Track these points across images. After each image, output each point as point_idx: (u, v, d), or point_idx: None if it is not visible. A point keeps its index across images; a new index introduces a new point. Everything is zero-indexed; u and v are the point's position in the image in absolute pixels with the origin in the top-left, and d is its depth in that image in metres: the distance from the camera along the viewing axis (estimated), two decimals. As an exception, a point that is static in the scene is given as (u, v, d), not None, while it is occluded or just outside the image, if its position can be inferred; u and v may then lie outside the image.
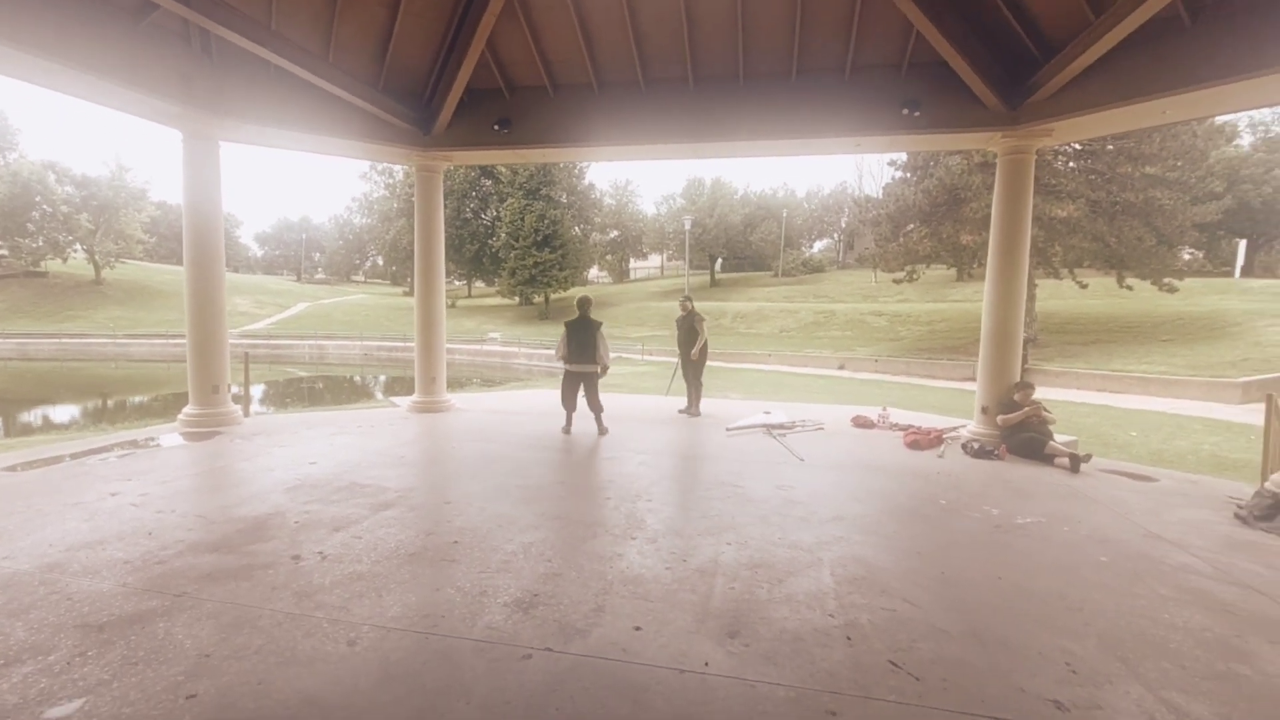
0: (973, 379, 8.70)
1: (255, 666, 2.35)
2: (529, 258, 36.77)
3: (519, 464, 5.53)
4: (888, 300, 30.49)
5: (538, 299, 39.74)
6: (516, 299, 40.96)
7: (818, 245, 55.44)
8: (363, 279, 70.85)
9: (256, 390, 18.13)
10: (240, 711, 2.09)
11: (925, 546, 3.72)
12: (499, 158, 9.50)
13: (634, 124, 7.33)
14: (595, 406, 6.94)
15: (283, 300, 43.13)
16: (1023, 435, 6.16)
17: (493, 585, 3.07)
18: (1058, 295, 23.73)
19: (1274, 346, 16.60)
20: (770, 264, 47.40)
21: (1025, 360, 12.69)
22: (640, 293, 42.82)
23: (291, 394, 20.00)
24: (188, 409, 6.96)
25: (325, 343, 32.93)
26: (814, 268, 46.58)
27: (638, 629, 2.68)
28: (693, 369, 8.37)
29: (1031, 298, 19.17)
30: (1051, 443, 6.03)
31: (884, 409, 7.98)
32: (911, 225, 21.94)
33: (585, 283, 49.81)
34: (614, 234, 51.18)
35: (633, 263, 58.16)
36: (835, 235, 54.37)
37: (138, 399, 18.14)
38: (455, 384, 15.92)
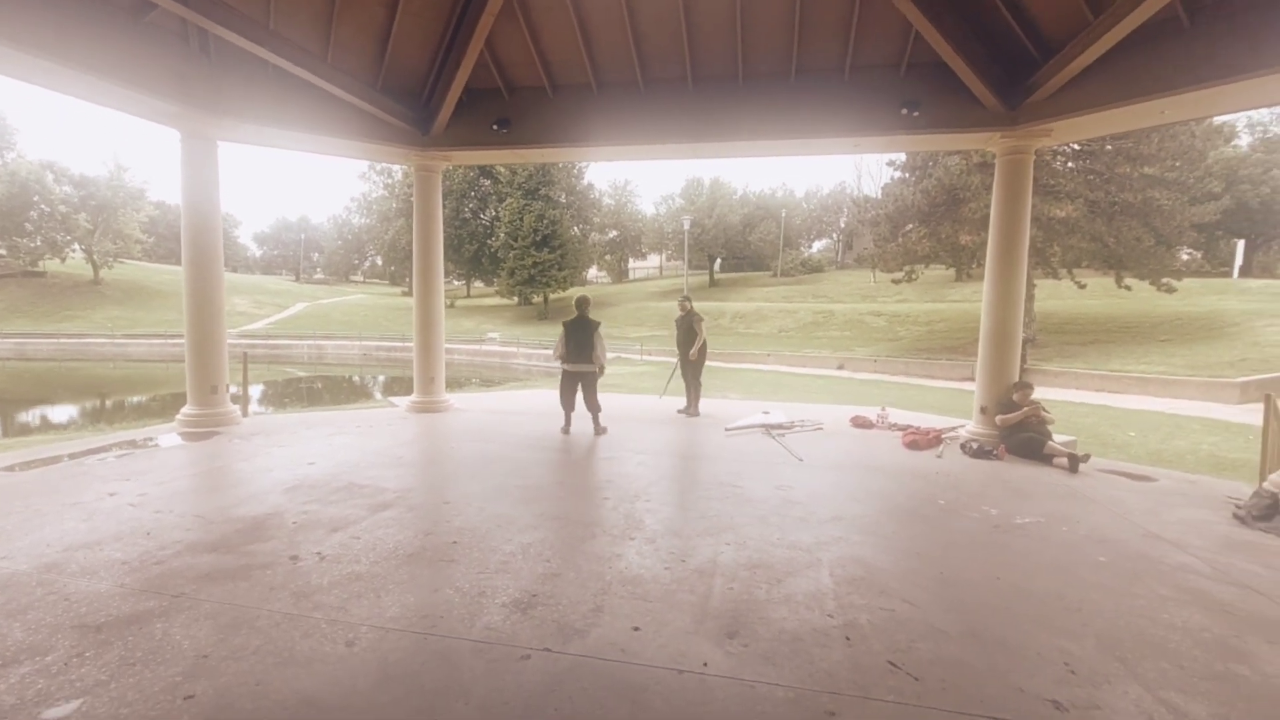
0: (971, 379, 8.71)
1: (253, 667, 2.34)
2: (528, 258, 36.78)
3: (518, 464, 5.52)
4: (886, 300, 30.52)
5: (536, 299, 39.75)
6: (515, 299, 40.98)
7: (816, 245, 55.55)
8: (361, 279, 70.77)
9: (255, 390, 18.14)
10: (238, 712, 2.09)
11: (924, 547, 3.73)
12: (498, 158, 9.50)
13: (633, 124, 7.32)
14: (593, 406, 6.93)
15: (281, 300, 43.09)
16: (1021, 435, 6.17)
17: (491, 586, 3.06)
18: (1056, 295, 23.76)
19: (1272, 346, 16.64)
20: (769, 264, 47.44)
21: (1024, 360, 12.72)
22: (639, 293, 42.84)
23: (290, 394, 19.97)
24: (186, 409, 6.96)
25: (324, 343, 32.91)
26: (813, 268, 46.62)
27: (636, 629, 2.68)
28: (691, 369, 8.37)
29: (1030, 298, 19.16)
30: (1050, 443, 6.03)
31: (883, 409, 7.99)
32: (910, 225, 21.96)
33: (584, 283, 49.83)
34: (613, 234, 51.21)
35: (631, 263, 58.19)
36: (834, 235, 54.41)
37: (136, 399, 18.11)
38: (454, 384, 15.94)
